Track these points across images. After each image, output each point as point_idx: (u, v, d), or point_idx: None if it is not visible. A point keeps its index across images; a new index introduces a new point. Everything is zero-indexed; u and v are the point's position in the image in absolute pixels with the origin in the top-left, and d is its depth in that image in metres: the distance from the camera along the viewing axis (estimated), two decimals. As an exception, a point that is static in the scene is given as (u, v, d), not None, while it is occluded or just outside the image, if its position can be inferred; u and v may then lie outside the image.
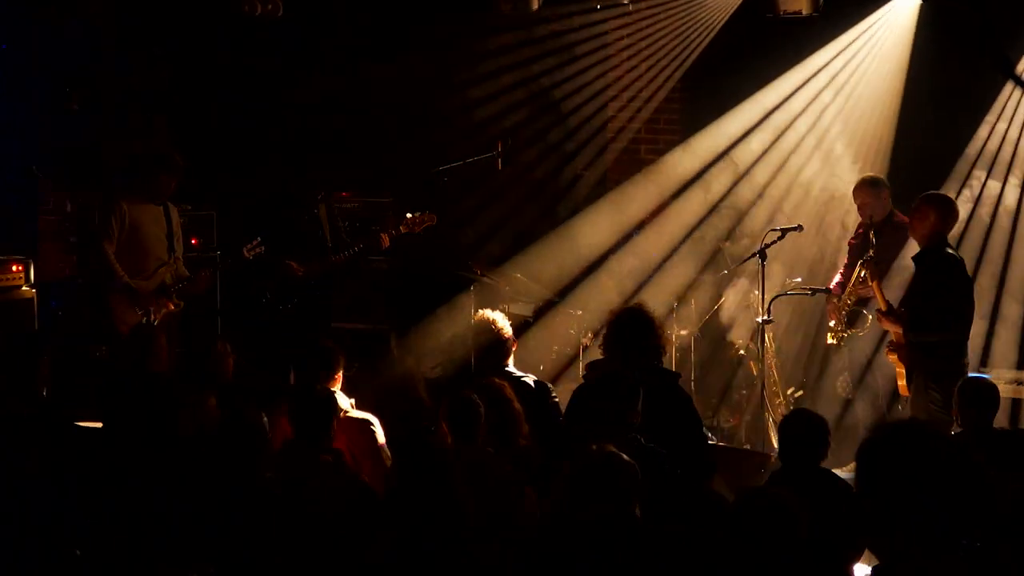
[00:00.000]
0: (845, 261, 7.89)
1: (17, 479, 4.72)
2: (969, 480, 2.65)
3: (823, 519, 3.88)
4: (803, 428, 4.92)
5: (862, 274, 7.19)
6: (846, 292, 7.50)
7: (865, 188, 7.67)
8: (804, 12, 8.22)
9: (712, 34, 9.06)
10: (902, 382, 6.88)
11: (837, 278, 7.86)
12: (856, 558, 4.56)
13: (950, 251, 6.75)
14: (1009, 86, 8.41)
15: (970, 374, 6.47)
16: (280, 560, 4.35)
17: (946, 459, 2.72)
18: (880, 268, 7.17)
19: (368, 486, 5.00)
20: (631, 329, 5.60)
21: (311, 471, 4.91)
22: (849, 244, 7.96)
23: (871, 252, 7.14)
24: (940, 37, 8.50)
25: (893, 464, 2.79)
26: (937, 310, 6.57)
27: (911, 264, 6.97)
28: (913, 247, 6.97)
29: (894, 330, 6.88)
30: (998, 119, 8.47)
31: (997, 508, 3.22)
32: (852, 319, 7.53)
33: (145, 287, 7.73)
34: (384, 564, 4.11)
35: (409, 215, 8.14)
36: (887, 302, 6.89)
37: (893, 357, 6.90)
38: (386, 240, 8.08)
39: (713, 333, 8.55)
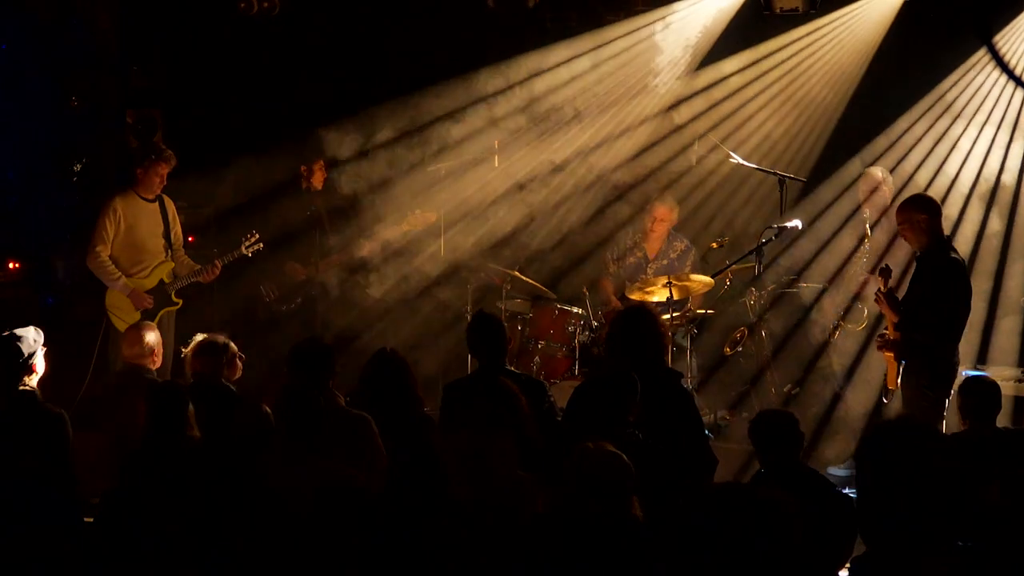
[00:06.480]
0: None
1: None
2: (961, 480, 2.68)
3: (809, 518, 3.83)
4: (774, 428, 4.86)
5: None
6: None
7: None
8: (800, 9, 8.31)
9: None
10: (892, 374, 6.89)
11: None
12: (844, 559, 4.47)
13: (954, 255, 6.69)
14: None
15: (971, 372, 6.45)
16: (273, 559, 4.34)
17: (941, 458, 2.74)
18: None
19: (362, 484, 4.98)
20: (634, 328, 5.59)
21: (304, 470, 4.90)
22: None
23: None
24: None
25: (891, 460, 2.82)
26: (934, 314, 6.52)
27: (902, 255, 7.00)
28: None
29: (890, 319, 6.88)
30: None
31: (995, 507, 3.24)
32: (847, 314, 7.54)
33: (143, 285, 7.72)
34: (378, 562, 4.11)
35: (411, 213, 8.20)
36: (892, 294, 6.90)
37: (886, 354, 6.90)
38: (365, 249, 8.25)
39: (711, 330, 8.55)
